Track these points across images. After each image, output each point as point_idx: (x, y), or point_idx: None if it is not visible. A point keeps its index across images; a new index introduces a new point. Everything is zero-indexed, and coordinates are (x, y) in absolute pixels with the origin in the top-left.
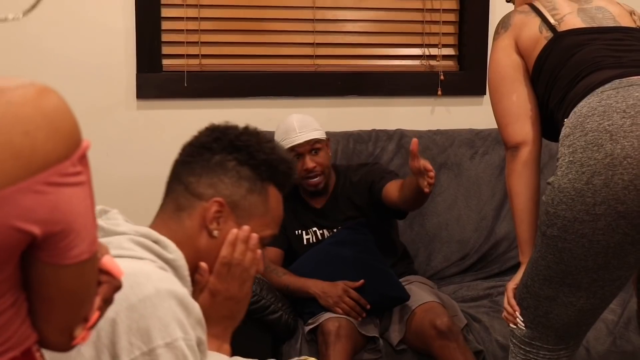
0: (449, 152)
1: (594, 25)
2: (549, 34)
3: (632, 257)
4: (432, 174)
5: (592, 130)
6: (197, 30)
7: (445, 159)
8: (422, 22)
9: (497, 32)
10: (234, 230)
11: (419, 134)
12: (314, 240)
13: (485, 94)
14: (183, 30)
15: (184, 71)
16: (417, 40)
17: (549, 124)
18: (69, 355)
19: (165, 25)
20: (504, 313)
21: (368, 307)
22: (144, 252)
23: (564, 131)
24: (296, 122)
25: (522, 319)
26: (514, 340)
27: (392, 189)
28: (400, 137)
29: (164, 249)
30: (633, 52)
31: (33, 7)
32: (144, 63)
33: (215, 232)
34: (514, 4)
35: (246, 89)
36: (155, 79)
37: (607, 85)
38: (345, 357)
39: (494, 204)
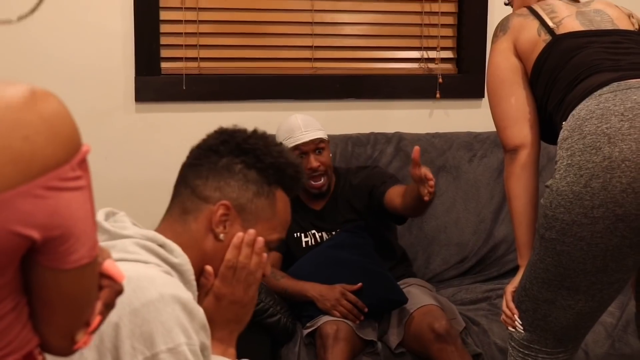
0: (448, 155)
1: (593, 28)
2: (547, 37)
3: (631, 260)
4: (432, 182)
5: (590, 133)
6: (195, 33)
7: (443, 162)
8: (420, 25)
9: (495, 35)
10: (240, 234)
11: (418, 137)
12: (313, 242)
13: (483, 96)
14: (182, 33)
15: (182, 74)
16: (415, 43)
17: (547, 126)
18: (71, 359)
19: (163, 28)
20: (503, 316)
21: (366, 310)
22: (149, 255)
23: (562, 134)
24: (301, 121)
25: (520, 322)
26: (512, 344)
27: (394, 195)
28: (398, 140)
29: (169, 253)
30: (631, 55)
31: (31, 11)
32: (143, 66)
33: (222, 236)
34: (512, 7)
35: (245, 92)
36: (154, 82)
37: (605, 88)
38: None
39: (493, 207)
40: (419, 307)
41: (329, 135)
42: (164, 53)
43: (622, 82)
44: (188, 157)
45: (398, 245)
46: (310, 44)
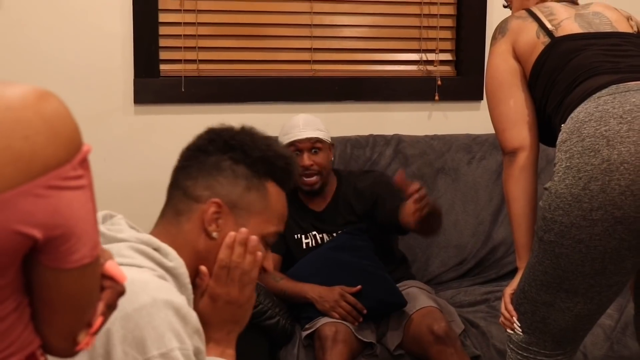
0: (447, 157)
1: (591, 30)
2: (546, 39)
3: (629, 263)
4: (417, 196)
5: (589, 135)
6: (194, 35)
7: (442, 164)
8: (419, 27)
9: (494, 38)
10: (232, 233)
11: (417, 139)
12: (313, 244)
13: (482, 99)
14: (180, 35)
15: (181, 76)
16: (414, 45)
17: (546, 129)
18: None
19: (162, 30)
20: (501, 318)
21: (365, 311)
22: (144, 260)
23: (561, 136)
24: (301, 120)
25: (519, 325)
26: (511, 346)
27: (407, 215)
28: (397, 142)
29: (164, 257)
30: (630, 57)
31: None
32: (142, 68)
33: (215, 234)
34: (511, 9)
35: (244, 94)
36: (153, 84)
37: (604, 91)
38: None
39: (492, 209)
40: (418, 309)
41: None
42: (163, 55)
43: (621, 84)
44: (178, 160)
45: (397, 247)
46: (309, 46)
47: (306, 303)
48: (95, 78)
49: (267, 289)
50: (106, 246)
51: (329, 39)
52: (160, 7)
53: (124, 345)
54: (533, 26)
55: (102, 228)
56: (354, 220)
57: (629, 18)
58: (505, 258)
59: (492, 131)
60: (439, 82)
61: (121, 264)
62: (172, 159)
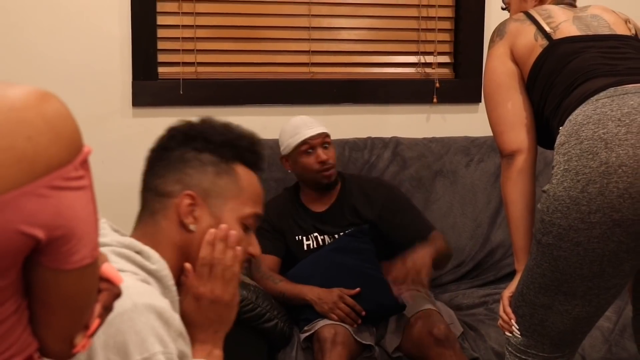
0: (445, 160)
1: (590, 33)
2: (544, 42)
3: (628, 265)
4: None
5: (587, 138)
6: (192, 38)
7: (440, 167)
8: (417, 29)
9: (492, 40)
10: (212, 230)
11: (415, 142)
12: (315, 245)
13: (480, 101)
14: (179, 38)
15: (179, 79)
16: (412, 47)
17: (544, 131)
18: None
19: (161, 33)
20: (500, 321)
21: (363, 313)
22: (126, 264)
23: (559, 139)
24: (306, 118)
25: (517, 327)
26: (509, 348)
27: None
28: (395, 144)
29: (146, 260)
30: (628, 60)
31: None
32: (140, 71)
33: (192, 226)
34: (509, 11)
35: (242, 97)
36: (151, 87)
37: (602, 94)
38: None
39: (490, 212)
40: (417, 311)
41: None
42: (161, 58)
43: (619, 87)
44: (145, 165)
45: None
46: (308, 49)
47: (305, 305)
48: (94, 80)
49: (265, 291)
50: None
51: (327, 41)
52: (158, 9)
53: (106, 351)
54: (531, 29)
55: None
56: (358, 222)
57: (626, 21)
58: (503, 260)
59: (490, 134)
60: (437, 85)
61: None
62: None
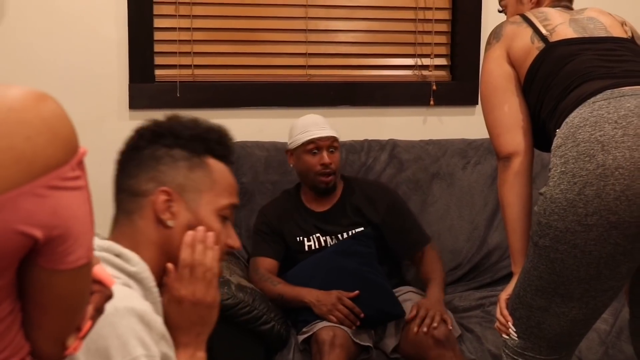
0: (442, 162)
1: (586, 35)
2: (540, 45)
3: (624, 268)
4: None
5: (583, 140)
6: (189, 40)
7: (437, 169)
8: (414, 32)
9: (488, 43)
10: (190, 232)
11: (412, 144)
12: (316, 246)
13: (477, 104)
14: (176, 40)
15: (176, 81)
16: (409, 50)
17: (540, 134)
18: None
19: (157, 35)
20: (497, 323)
21: (362, 315)
22: (106, 267)
23: (556, 141)
24: (318, 118)
25: (514, 330)
26: (506, 351)
27: (420, 266)
28: (392, 147)
29: (126, 262)
30: (624, 62)
31: None
32: (137, 73)
33: (170, 222)
34: (506, 14)
35: (239, 100)
36: (148, 90)
37: (598, 96)
38: None
39: (486, 214)
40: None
41: None
42: (158, 60)
43: (615, 89)
44: (115, 168)
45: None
46: (304, 51)
47: (303, 307)
48: (91, 83)
49: (263, 293)
50: None
51: (324, 44)
52: (155, 12)
53: (87, 357)
54: (527, 31)
55: None
56: (361, 222)
57: (623, 23)
58: (500, 263)
59: (487, 136)
60: (434, 87)
61: None
62: None
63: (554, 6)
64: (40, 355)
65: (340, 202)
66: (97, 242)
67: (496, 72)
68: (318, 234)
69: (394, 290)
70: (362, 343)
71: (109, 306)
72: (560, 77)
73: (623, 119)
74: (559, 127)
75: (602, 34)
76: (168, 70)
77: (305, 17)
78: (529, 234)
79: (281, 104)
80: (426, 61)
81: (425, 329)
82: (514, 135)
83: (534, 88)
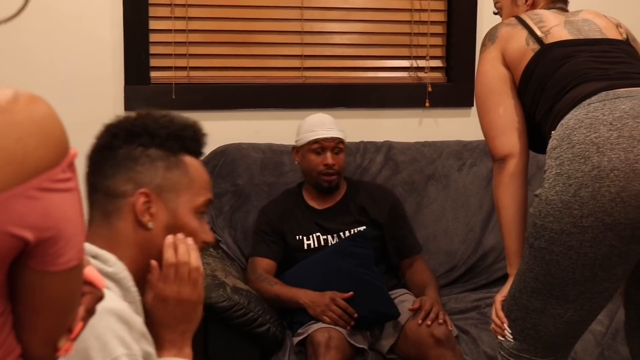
0: (437, 164)
1: (581, 37)
2: (535, 46)
3: (620, 269)
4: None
5: (579, 142)
6: (185, 42)
7: (433, 171)
8: (410, 34)
9: (483, 45)
10: (170, 237)
11: (407, 146)
12: (316, 245)
13: (473, 105)
14: (171, 42)
15: (172, 83)
16: (405, 52)
17: (536, 136)
18: None
19: (153, 37)
20: (492, 325)
21: (355, 315)
22: None
23: (551, 143)
24: (325, 119)
25: (510, 331)
26: (502, 352)
27: (407, 272)
28: (388, 148)
29: (103, 263)
30: (619, 64)
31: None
32: (132, 75)
33: (150, 224)
34: (501, 16)
35: (234, 101)
36: (143, 91)
37: (593, 98)
38: None
39: (482, 216)
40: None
41: None
42: (154, 62)
43: (610, 91)
44: (87, 166)
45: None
46: (300, 53)
47: (299, 308)
48: (86, 85)
49: (260, 293)
50: None
51: (320, 45)
52: (150, 14)
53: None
54: (523, 33)
55: None
56: (364, 221)
57: (618, 25)
58: (495, 264)
59: (483, 138)
60: (430, 89)
61: None
62: None
63: (549, 8)
64: (31, 357)
65: (344, 200)
66: None
67: (491, 74)
68: (318, 233)
69: (391, 292)
70: (357, 345)
71: None
72: (556, 79)
73: (618, 120)
74: (554, 129)
75: (597, 36)
76: (163, 72)
77: (300, 19)
78: (524, 236)
79: (277, 106)
80: (422, 63)
81: (429, 322)
82: (509, 137)
83: (529, 90)
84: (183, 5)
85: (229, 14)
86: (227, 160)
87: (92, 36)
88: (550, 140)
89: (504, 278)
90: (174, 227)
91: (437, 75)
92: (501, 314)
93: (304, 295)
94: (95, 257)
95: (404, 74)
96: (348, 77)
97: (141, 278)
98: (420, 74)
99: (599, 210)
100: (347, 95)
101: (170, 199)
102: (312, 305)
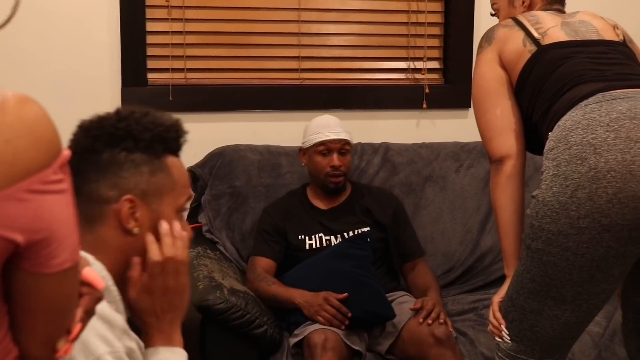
0: (434, 165)
1: (578, 38)
2: (532, 48)
3: (617, 270)
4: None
5: (576, 143)
6: (182, 44)
7: (430, 172)
8: (407, 35)
9: (480, 46)
10: (150, 236)
11: (405, 147)
12: (318, 245)
13: (470, 107)
14: (168, 44)
15: (169, 85)
16: (402, 53)
17: (533, 137)
18: None
19: (150, 39)
20: (490, 326)
21: (349, 315)
22: None
23: (548, 144)
24: (332, 120)
25: (507, 332)
26: (499, 354)
27: (407, 272)
28: (385, 150)
29: None
30: (616, 65)
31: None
32: (129, 77)
33: (135, 230)
34: (498, 17)
35: (231, 103)
36: (141, 93)
37: (590, 99)
38: None
39: (479, 217)
40: (416, 313)
41: None
42: (151, 64)
43: (607, 92)
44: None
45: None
46: (297, 55)
47: (295, 308)
48: (83, 86)
49: (258, 292)
50: None
51: (317, 47)
52: (147, 16)
53: None
54: (519, 34)
55: None
56: (369, 223)
57: (615, 27)
58: (492, 266)
59: (480, 139)
60: (427, 90)
61: None
62: None
63: (545, 9)
64: (30, 359)
65: (349, 200)
66: None
67: (488, 75)
68: (321, 234)
69: (391, 294)
70: (353, 346)
71: None
72: (552, 80)
73: (615, 121)
74: (551, 130)
75: (594, 37)
76: (160, 74)
77: (298, 21)
78: (522, 237)
79: (274, 107)
80: (419, 64)
81: (430, 322)
82: (506, 138)
83: (526, 91)
84: (180, 7)
85: (226, 16)
86: (225, 162)
87: (89, 38)
88: (548, 141)
89: (501, 279)
90: (158, 229)
91: (435, 76)
92: (498, 315)
93: (299, 296)
94: None
95: (401, 76)
96: (345, 79)
97: (121, 277)
98: (418, 76)
99: (595, 212)
100: (345, 97)
101: (154, 202)
102: (307, 305)
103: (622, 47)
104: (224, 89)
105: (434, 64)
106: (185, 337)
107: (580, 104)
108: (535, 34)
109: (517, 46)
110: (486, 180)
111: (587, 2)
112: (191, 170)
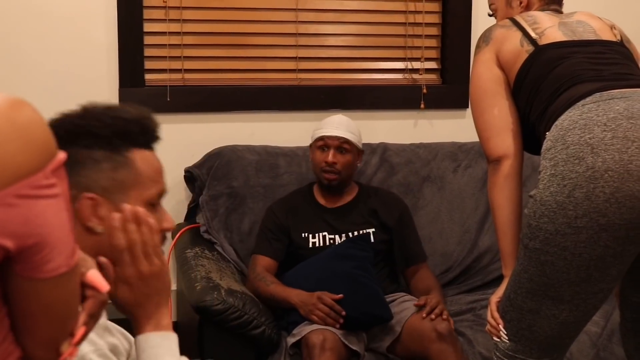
0: (432, 165)
1: (575, 38)
2: (530, 48)
3: (614, 270)
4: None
5: (573, 143)
6: (179, 44)
7: (428, 172)
8: (404, 35)
9: (478, 46)
10: (116, 215)
11: (402, 147)
12: (321, 244)
13: (467, 107)
14: (166, 45)
15: (166, 86)
16: (399, 54)
17: (530, 137)
18: None
19: (147, 40)
20: (488, 326)
21: (343, 313)
22: None
23: (546, 144)
24: (337, 119)
25: (505, 332)
26: (497, 354)
27: (410, 276)
28: (383, 150)
29: None
30: (614, 65)
31: None
32: (127, 78)
33: (99, 228)
34: (496, 18)
35: (229, 103)
36: (138, 94)
37: (588, 99)
38: None
39: (477, 217)
40: (417, 310)
41: None
42: (148, 65)
43: (604, 92)
44: None
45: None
46: (295, 55)
47: (293, 308)
48: (80, 87)
49: (257, 292)
50: None
51: (315, 47)
52: (145, 16)
53: None
54: (517, 35)
55: None
56: (374, 224)
57: (612, 27)
58: (490, 266)
59: (478, 139)
60: (425, 91)
61: None
62: None
63: (543, 10)
64: None
65: (355, 200)
66: None
67: (486, 75)
68: (325, 232)
69: (392, 295)
70: (352, 347)
71: None
72: (550, 80)
73: (612, 121)
74: (548, 130)
75: (592, 37)
76: (158, 75)
77: (295, 21)
78: (519, 237)
79: (272, 108)
80: (416, 65)
81: (433, 317)
82: (504, 138)
83: (524, 91)
84: (177, 8)
85: (223, 16)
86: (222, 163)
87: (86, 38)
88: (545, 141)
89: (499, 279)
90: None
91: (432, 76)
92: (496, 315)
93: (295, 296)
94: None
95: (399, 76)
96: (343, 79)
97: None
98: (415, 76)
99: (593, 211)
100: (342, 97)
101: (118, 199)
102: (302, 305)
103: (619, 47)
104: (221, 89)
105: (432, 64)
106: (183, 338)
107: (578, 103)
108: (533, 34)
109: (514, 46)
110: (484, 181)
111: (585, 3)
112: (189, 171)
